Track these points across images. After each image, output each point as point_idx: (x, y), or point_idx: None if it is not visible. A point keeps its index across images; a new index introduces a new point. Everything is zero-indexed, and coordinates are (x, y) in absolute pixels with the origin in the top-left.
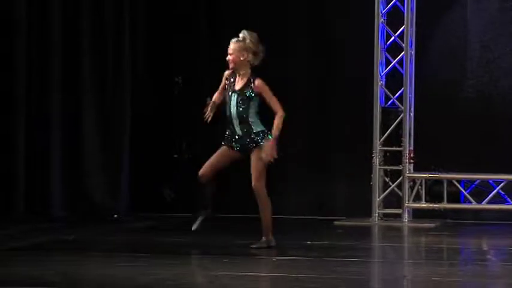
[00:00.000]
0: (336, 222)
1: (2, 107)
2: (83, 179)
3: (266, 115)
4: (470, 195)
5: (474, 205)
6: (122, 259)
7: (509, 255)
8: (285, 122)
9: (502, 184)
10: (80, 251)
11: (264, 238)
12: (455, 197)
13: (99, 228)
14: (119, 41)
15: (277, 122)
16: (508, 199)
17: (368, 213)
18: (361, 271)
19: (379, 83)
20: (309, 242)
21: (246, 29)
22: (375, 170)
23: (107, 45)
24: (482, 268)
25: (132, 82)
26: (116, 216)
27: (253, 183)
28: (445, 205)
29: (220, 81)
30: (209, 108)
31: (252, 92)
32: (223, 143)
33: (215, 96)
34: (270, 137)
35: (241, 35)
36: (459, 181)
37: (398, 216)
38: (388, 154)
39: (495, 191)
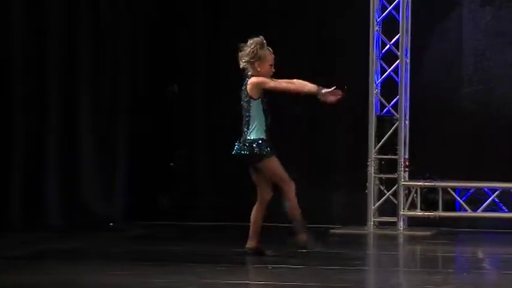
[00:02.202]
0: (331, 231)
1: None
2: (79, 187)
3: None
4: (466, 204)
5: (469, 213)
6: (118, 267)
7: (504, 263)
8: (281, 130)
9: (497, 192)
10: (75, 259)
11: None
12: (450, 205)
13: (95, 236)
14: (117, 50)
15: (304, 85)
16: (503, 207)
17: (363, 222)
18: (356, 279)
19: (374, 92)
20: (304, 250)
21: (246, 36)
22: (370, 178)
23: (105, 57)
24: (477, 276)
25: (131, 87)
26: (111, 224)
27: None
28: (440, 213)
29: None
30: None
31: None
32: (268, 151)
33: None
34: (261, 149)
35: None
36: (454, 189)
37: (394, 224)
38: (383, 162)
39: (490, 199)
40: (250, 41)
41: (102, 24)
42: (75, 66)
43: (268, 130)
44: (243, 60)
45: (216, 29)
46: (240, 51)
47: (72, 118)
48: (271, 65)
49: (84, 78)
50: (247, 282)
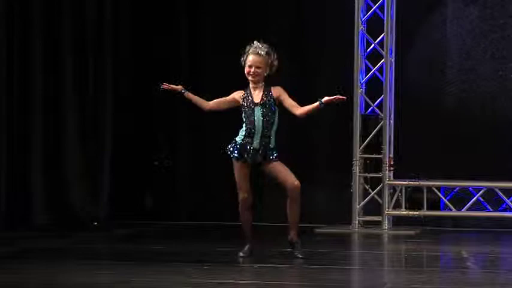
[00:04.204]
0: (316, 230)
1: None
2: (63, 186)
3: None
4: (450, 203)
5: (454, 212)
6: (102, 267)
7: (488, 262)
8: None
9: (481, 191)
10: (59, 258)
11: (299, 243)
12: (435, 204)
13: (79, 235)
14: (101, 49)
15: (306, 108)
16: (488, 206)
17: (348, 221)
18: (341, 278)
19: (359, 91)
20: (289, 250)
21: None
22: (355, 178)
23: (87, 56)
24: (462, 275)
25: (114, 86)
26: (96, 223)
27: (296, 183)
28: (425, 212)
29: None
30: (170, 87)
31: (272, 99)
32: (234, 155)
33: (212, 102)
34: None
35: (264, 49)
36: (439, 188)
37: (379, 223)
38: (368, 161)
39: (475, 198)
40: (267, 46)
41: (85, 22)
42: (59, 65)
43: (247, 131)
44: (275, 64)
45: (198, 28)
46: (260, 53)
47: (57, 117)
48: None
49: (68, 77)
50: (233, 281)
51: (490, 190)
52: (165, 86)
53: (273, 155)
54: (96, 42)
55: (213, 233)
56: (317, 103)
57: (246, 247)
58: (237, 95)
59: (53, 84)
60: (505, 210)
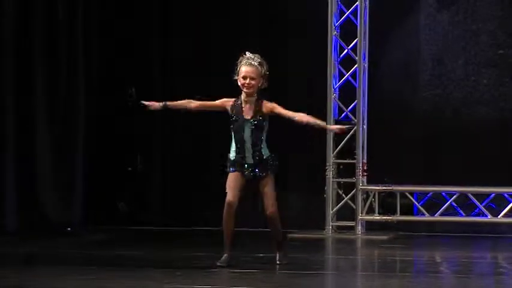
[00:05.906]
0: (289, 235)
1: None
2: (36, 191)
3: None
4: (423, 208)
5: (427, 217)
6: (75, 273)
7: (462, 267)
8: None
9: (454, 196)
10: (31, 264)
11: (281, 253)
12: (408, 209)
13: (52, 241)
14: (73, 52)
15: (311, 118)
16: (461, 211)
17: (321, 226)
18: (314, 284)
19: (333, 96)
20: (262, 255)
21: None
22: (329, 183)
23: (60, 58)
24: (435, 280)
25: (86, 91)
26: (69, 229)
27: (269, 211)
28: (398, 217)
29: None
30: (150, 104)
31: (262, 115)
32: (231, 169)
33: (198, 103)
34: (276, 162)
35: (257, 59)
36: (412, 193)
37: (352, 228)
38: (341, 167)
39: (448, 203)
40: (259, 57)
41: (58, 27)
42: (31, 66)
43: (238, 146)
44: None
45: (170, 31)
46: (251, 64)
47: (30, 119)
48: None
49: (39, 80)
50: (205, 286)
51: (463, 195)
52: (146, 103)
53: (266, 169)
54: (68, 41)
55: (186, 238)
56: (325, 124)
57: (224, 256)
58: (227, 102)
59: (25, 86)
60: (477, 215)
